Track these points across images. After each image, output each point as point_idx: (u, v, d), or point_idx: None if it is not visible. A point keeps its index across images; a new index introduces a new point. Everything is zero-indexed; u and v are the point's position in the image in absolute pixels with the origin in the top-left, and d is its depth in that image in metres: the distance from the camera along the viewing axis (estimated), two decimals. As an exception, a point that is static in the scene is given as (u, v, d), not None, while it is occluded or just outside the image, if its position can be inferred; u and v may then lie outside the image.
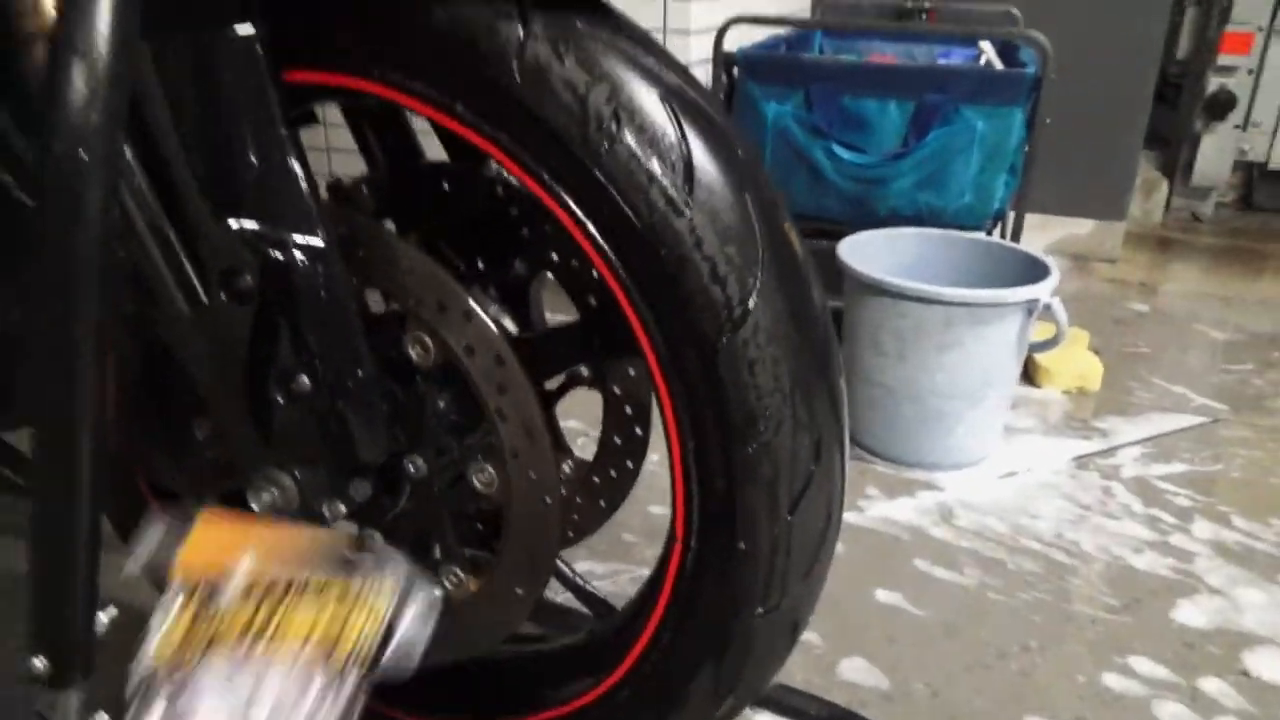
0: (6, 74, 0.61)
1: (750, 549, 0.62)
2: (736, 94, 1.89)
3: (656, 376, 0.62)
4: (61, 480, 0.53)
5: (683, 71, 0.59)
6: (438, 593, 0.30)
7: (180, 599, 0.31)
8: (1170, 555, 1.33)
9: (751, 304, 0.56)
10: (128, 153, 0.58)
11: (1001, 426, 1.59)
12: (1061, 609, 1.22)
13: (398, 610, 0.32)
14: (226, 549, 0.32)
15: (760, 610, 0.64)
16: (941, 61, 2.15)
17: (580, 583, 1.12)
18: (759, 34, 2.14)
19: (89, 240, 0.46)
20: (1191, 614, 1.21)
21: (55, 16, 0.58)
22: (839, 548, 0.67)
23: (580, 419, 1.56)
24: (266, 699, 0.32)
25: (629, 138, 0.56)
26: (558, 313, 0.79)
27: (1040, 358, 1.79)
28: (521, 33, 0.56)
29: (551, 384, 0.82)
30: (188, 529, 0.32)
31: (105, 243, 0.46)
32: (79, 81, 0.43)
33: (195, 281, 0.64)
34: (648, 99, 0.56)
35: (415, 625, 0.32)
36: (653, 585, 0.72)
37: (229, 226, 0.62)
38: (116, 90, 0.44)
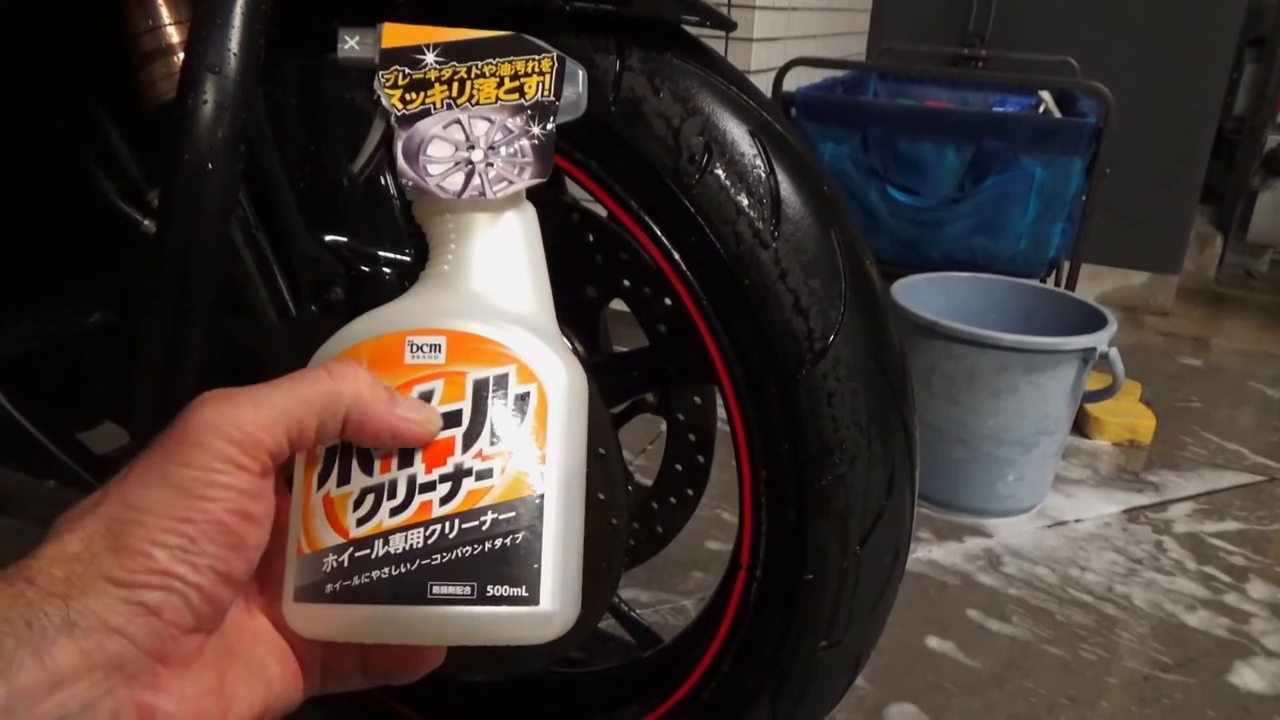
0: (122, 90, 0.64)
1: (818, 580, 0.62)
2: (793, 133, 1.91)
3: (732, 405, 0.63)
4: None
5: (771, 108, 0.61)
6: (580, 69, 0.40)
7: (388, 72, 0.39)
8: (1225, 615, 1.31)
9: (833, 337, 0.57)
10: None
11: (1052, 475, 1.57)
12: (1113, 664, 1.20)
13: (558, 75, 0.39)
14: (413, 39, 0.39)
15: (824, 643, 0.64)
16: (998, 109, 2.16)
17: (625, 609, 1.12)
18: (816, 75, 2.16)
19: (207, 248, 0.48)
20: (1249, 677, 1.18)
21: (175, 37, 0.61)
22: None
23: (628, 449, 1.57)
24: (480, 142, 0.39)
25: (719, 170, 0.57)
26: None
27: (1092, 408, 1.77)
28: (618, 65, 0.58)
29: (615, 409, 0.83)
30: (379, 33, 0.39)
31: (221, 251, 0.48)
32: (210, 96, 0.45)
33: (285, 292, 0.66)
34: (738, 133, 0.58)
35: (573, 84, 0.40)
36: (712, 613, 0.73)
37: (323, 240, 0.64)
38: (244, 107, 0.47)
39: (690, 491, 0.84)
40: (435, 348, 0.36)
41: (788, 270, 0.57)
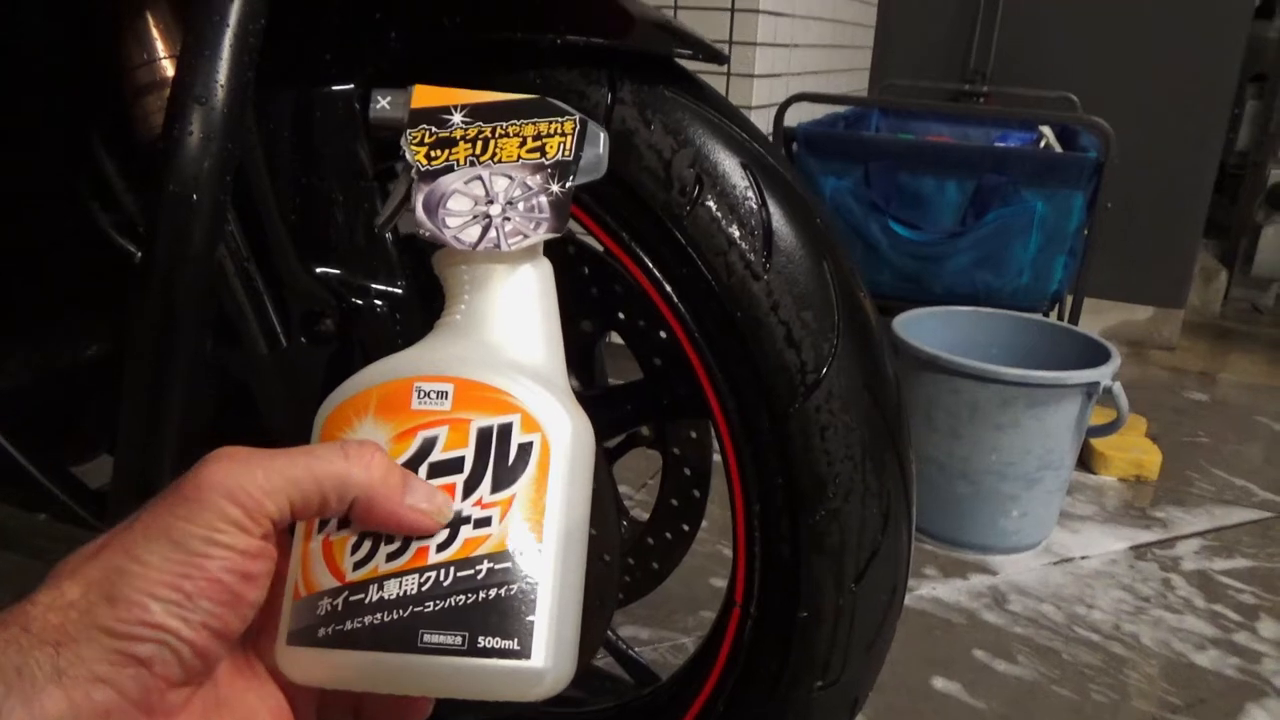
0: (117, 123, 0.64)
1: (813, 618, 0.61)
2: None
3: (725, 439, 0.62)
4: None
5: (764, 140, 0.61)
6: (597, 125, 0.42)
7: (416, 131, 0.40)
8: (1235, 654, 1.28)
9: (826, 369, 0.56)
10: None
11: (1057, 511, 1.56)
12: (1122, 706, 1.17)
13: (579, 137, 0.41)
14: (441, 101, 0.41)
15: (820, 683, 0.63)
16: (999, 144, 2.17)
17: (623, 648, 1.11)
18: (817, 111, 2.17)
19: (193, 280, 0.47)
20: (1261, 719, 1.16)
21: (170, 70, 0.62)
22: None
23: (629, 484, 1.56)
24: (499, 197, 0.40)
25: (710, 202, 0.57)
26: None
27: (1098, 443, 1.75)
28: (610, 97, 0.58)
29: (610, 443, 0.82)
30: (409, 94, 0.41)
31: (207, 284, 0.48)
32: (196, 127, 0.45)
33: (276, 324, 0.65)
34: (730, 165, 0.57)
35: (594, 146, 0.41)
36: (706, 653, 0.71)
37: (313, 272, 0.64)
38: (230, 138, 0.46)
39: (686, 527, 0.83)
40: (442, 394, 0.36)
41: (780, 302, 0.56)
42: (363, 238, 0.65)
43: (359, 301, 0.64)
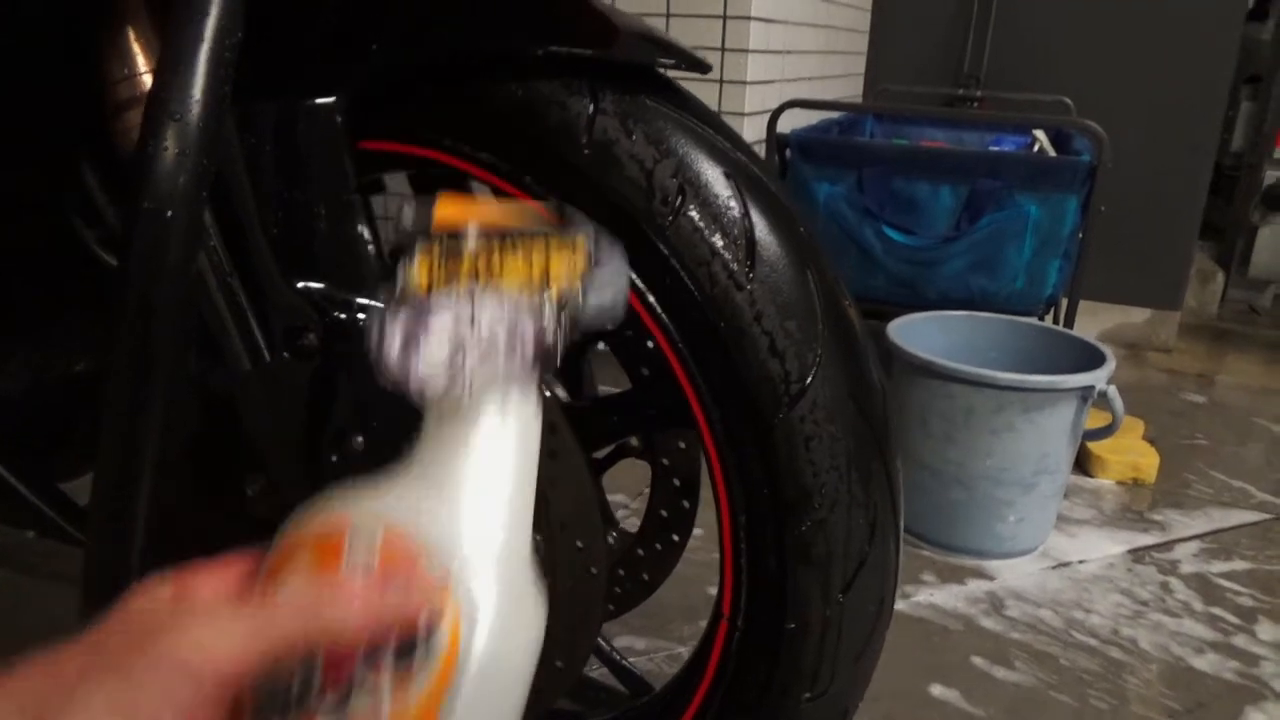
0: (98, 138, 0.64)
1: (800, 629, 0.60)
2: (789, 175, 1.92)
3: (710, 449, 0.61)
4: (119, 527, 0.54)
5: (747, 149, 0.60)
6: (621, 251, 0.40)
7: (426, 246, 0.39)
8: (1234, 658, 1.28)
9: (810, 379, 0.56)
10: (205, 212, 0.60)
11: (1054, 515, 1.55)
12: (1122, 711, 1.17)
13: (591, 273, 0.39)
14: (462, 214, 0.40)
15: (808, 695, 0.62)
16: (993, 149, 2.17)
17: (617, 658, 1.10)
18: (812, 117, 2.17)
19: (170, 296, 0.47)
20: (1259, 723, 1.15)
21: (150, 84, 0.61)
22: (887, 635, 0.65)
23: (625, 492, 1.55)
24: (484, 320, 0.38)
25: (693, 212, 0.56)
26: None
27: (1095, 447, 1.75)
28: (591, 108, 0.58)
29: (600, 454, 0.82)
30: (434, 204, 0.41)
31: (185, 299, 0.48)
32: (171, 143, 0.45)
33: (260, 339, 0.65)
34: (713, 175, 0.57)
35: (603, 290, 0.39)
36: (696, 664, 0.71)
37: (296, 286, 0.64)
38: (206, 153, 0.46)
39: (676, 537, 0.82)
40: (369, 567, 0.35)
41: (763, 312, 0.56)
42: (346, 251, 0.65)
43: (343, 315, 0.64)
